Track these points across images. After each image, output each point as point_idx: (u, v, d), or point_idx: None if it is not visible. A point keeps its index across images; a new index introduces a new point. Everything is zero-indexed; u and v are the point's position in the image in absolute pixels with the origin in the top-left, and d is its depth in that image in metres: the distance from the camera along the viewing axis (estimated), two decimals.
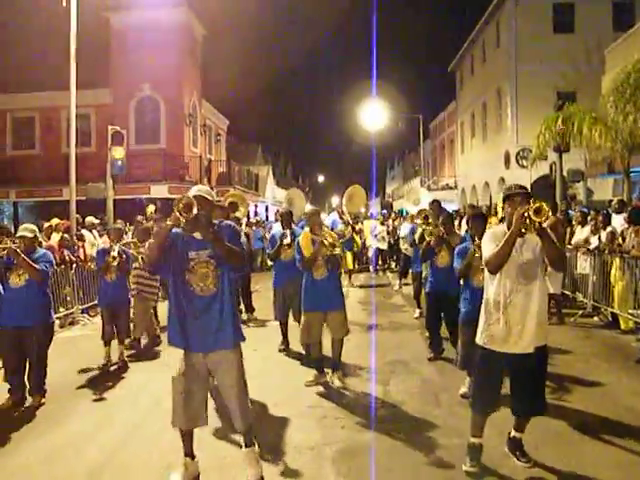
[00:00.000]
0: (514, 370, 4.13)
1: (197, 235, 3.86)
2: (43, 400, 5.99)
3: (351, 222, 8.99)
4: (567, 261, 4.09)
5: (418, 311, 10.20)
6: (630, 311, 8.64)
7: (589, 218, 10.92)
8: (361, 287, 14.56)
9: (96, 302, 9.39)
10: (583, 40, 22.87)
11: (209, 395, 4.20)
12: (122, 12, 25.63)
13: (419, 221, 7.95)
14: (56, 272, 9.88)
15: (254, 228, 18.30)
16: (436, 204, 8.72)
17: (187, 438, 4.10)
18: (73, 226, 12.55)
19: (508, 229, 3.95)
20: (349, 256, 14.10)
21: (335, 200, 60.87)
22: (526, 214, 3.76)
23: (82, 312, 10.61)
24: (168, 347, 4.12)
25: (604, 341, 8.40)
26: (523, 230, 3.80)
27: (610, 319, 9.38)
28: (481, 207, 17.65)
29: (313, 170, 76.59)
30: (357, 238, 13.33)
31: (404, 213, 23.67)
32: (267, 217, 32.84)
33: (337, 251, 6.16)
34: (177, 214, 3.64)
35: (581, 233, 10.78)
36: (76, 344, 8.83)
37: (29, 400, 5.99)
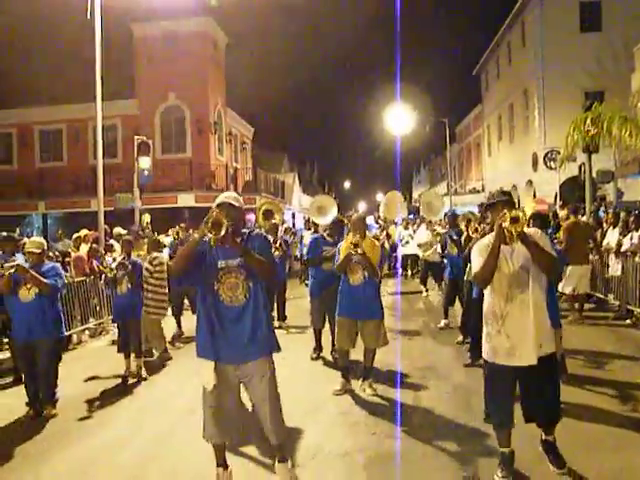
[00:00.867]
0: (521, 382, 4.02)
1: (226, 245, 3.76)
2: (54, 411, 5.97)
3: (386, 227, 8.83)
4: (558, 265, 3.94)
5: (444, 322, 9.58)
6: None
7: (620, 219, 10.71)
8: (390, 294, 14.43)
9: None
10: (610, 39, 22.57)
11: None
12: (146, 23, 25.99)
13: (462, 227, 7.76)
14: (85, 282, 10.00)
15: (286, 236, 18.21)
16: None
17: (219, 449, 4.04)
18: (102, 237, 12.70)
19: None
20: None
21: (362, 206, 60.72)
22: (503, 225, 3.68)
23: (113, 322, 10.68)
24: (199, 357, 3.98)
25: (636, 343, 8.22)
26: (506, 241, 3.72)
27: None
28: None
29: (339, 177, 76.66)
30: (386, 244, 13.26)
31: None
32: (294, 224, 32.88)
33: (360, 251, 5.77)
34: (206, 231, 3.57)
35: (612, 234, 10.59)
36: (106, 353, 8.89)
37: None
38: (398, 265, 17.75)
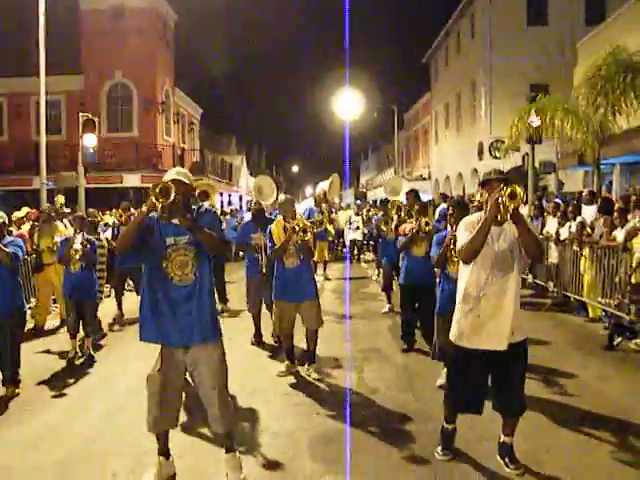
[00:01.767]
0: (490, 367, 3.95)
1: (175, 221, 3.64)
2: (17, 390, 5.89)
3: (330, 210, 8.91)
4: (543, 249, 3.77)
5: (387, 306, 9.78)
6: (599, 299, 8.81)
7: (560, 209, 11.08)
8: (336, 278, 14.55)
9: None
10: (556, 33, 23.14)
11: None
12: None
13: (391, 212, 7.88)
14: (28, 261, 9.73)
15: (228, 217, 18.21)
16: (413, 193, 8.30)
17: (162, 437, 3.93)
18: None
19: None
20: (324, 246, 14.01)
21: (309, 190, 60.80)
22: (500, 199, 3.57)
23: (54, 302, 10.43)
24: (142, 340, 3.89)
25: (573, 329, 8.57)
26: (498, 217, 3.61)
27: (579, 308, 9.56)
28: (459, 197, 17.75)
29: (287, 160, 76.27)
30: (330, 228, 13.36)
31: (378, 203, 23.72)
32: (241, 207, 32.72)
33: (308, 237, 5.85)
34: (153, 199, 3.46)
35: (552, 223, 10.96)
36: (51, 332, 8.72)
37: (2, 390, 5.90)
38: (352, 249, 17.96)
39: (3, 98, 26.12)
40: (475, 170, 25.95)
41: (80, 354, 7.14)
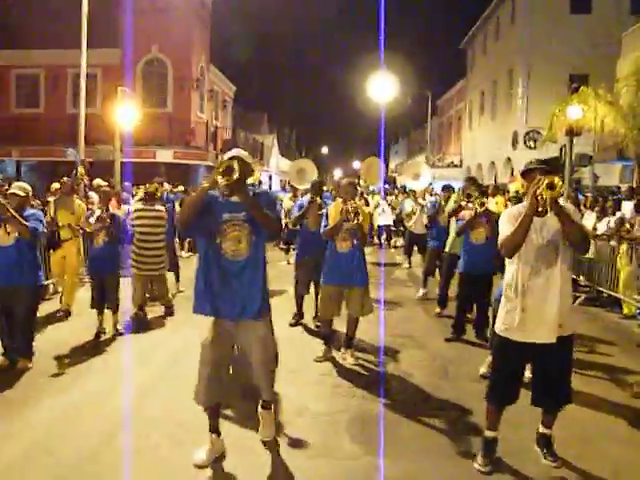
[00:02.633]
0: (534, 361, 3.94)
1: (234, 198, 3.70)
2: (30, 364, 5.83)
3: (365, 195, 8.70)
4: (589, 241, 3.62)
5: (422, 291, 9.75)
6: (635, 296, 8.71)
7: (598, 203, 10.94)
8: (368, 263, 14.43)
9: None
10: (599, 22, 22.65)
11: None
12: None
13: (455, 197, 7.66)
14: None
15: None
16: (472, 181, 7.52)
17: (213, 414, 4.02)
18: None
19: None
20: None
21: (337, 172, 60.61)
22: (538, 191, 3.49)
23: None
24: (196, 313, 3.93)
25: (608, 325, 8.49)
26: (539, 210, 3.53)
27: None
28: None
29: (317, 141, 76.05)
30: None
31: (407, 189, 23.52)
32: (270, 187, 32.76)
33: (359, 220, 5.70)
34: (218, 177, 3.50)
35: (589, 217, 10.81)
36: (83, 305, 8.86)
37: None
38: (380, 235, 17.75)
39: (40, 70, 26.33)
40: (508, 159, 25.66)
41: (106, 330, 7.08)
